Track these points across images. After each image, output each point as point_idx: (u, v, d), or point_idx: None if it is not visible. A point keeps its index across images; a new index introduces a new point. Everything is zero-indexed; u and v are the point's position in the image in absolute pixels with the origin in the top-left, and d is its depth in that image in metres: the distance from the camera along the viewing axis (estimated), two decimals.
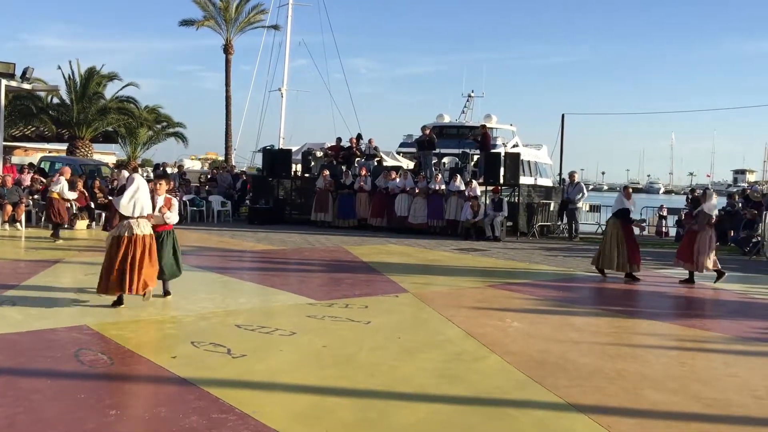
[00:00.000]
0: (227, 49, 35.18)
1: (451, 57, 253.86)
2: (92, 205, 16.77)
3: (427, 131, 19.72)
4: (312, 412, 4.41)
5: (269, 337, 6.31)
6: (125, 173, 16.90)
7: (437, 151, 20.70)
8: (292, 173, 21.76)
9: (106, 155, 39.98)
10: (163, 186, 7.67)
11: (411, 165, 23.00)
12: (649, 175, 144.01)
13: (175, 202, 7.83)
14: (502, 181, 17.68)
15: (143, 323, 6.71)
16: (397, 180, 18.10)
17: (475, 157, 20.84)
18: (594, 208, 22.66)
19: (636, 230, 11.64)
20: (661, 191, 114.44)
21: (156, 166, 26.21)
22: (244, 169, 28.62)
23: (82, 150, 28.14)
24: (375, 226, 18.17)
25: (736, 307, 9.11)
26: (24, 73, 19.10)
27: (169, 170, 27.55)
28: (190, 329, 6.55)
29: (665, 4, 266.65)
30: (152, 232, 7.28)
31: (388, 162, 23.74)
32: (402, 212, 17.76)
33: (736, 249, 15.57)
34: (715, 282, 10.40)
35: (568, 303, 8.79)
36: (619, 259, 10.53)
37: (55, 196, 13.93)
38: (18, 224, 15.20)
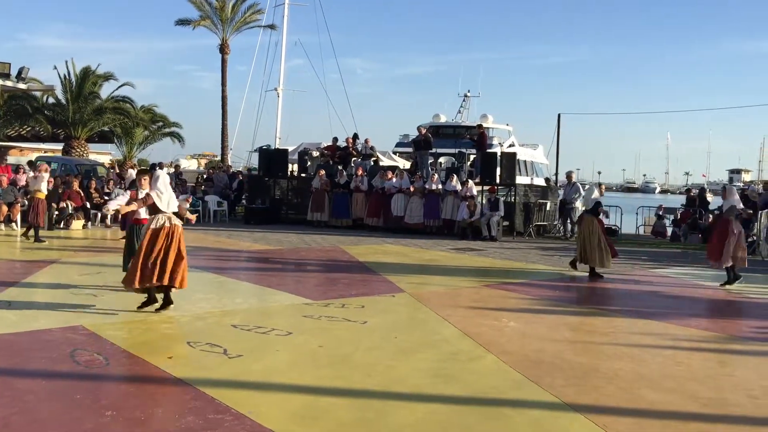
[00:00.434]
0: (223, 48, 35.14)
1: (451, 57, 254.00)
2: (88, 205, 16.73)
3: (424, 131, 19.73)
4: (308, 412, 4.41)
5: (265, 337, 6.30)
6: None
7: (434, 150, 20.68)
8: (289, 173, 21.75)
9: (102, 155, 39.96)
10: (146, 181, 7.74)
11: (407, 165, 22.97)
12: (645, 175, 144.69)
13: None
14: (498, 180, 17.72)
15: (139, 323, 6.69)
16: (394, 180, 18.08)
17: (472, 157, 20.83)
18: None
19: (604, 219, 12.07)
20: (657, 191, 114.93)
21: (152, 166, 26.13)
22: (240, 169, 28.57)
23: (78, 150, 28.12)
24: (371, 226, 18.16)
25: (732, 307, 9.14)
26: (19, 72, 19.06)
27: (166, 170, 27.49)
28: (187, 329, 6.55)
29: (664, 4, 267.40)
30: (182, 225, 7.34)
31: (385, 162, 23.76)
32: (398, 212, 17.75)
33: None
34: (724, 284, 10.33)
35: (564, 303, 8.82)
36: (602, 254, 10.69)
37: (40, 195, 13.30)
38: (14, 224, 15.14)
